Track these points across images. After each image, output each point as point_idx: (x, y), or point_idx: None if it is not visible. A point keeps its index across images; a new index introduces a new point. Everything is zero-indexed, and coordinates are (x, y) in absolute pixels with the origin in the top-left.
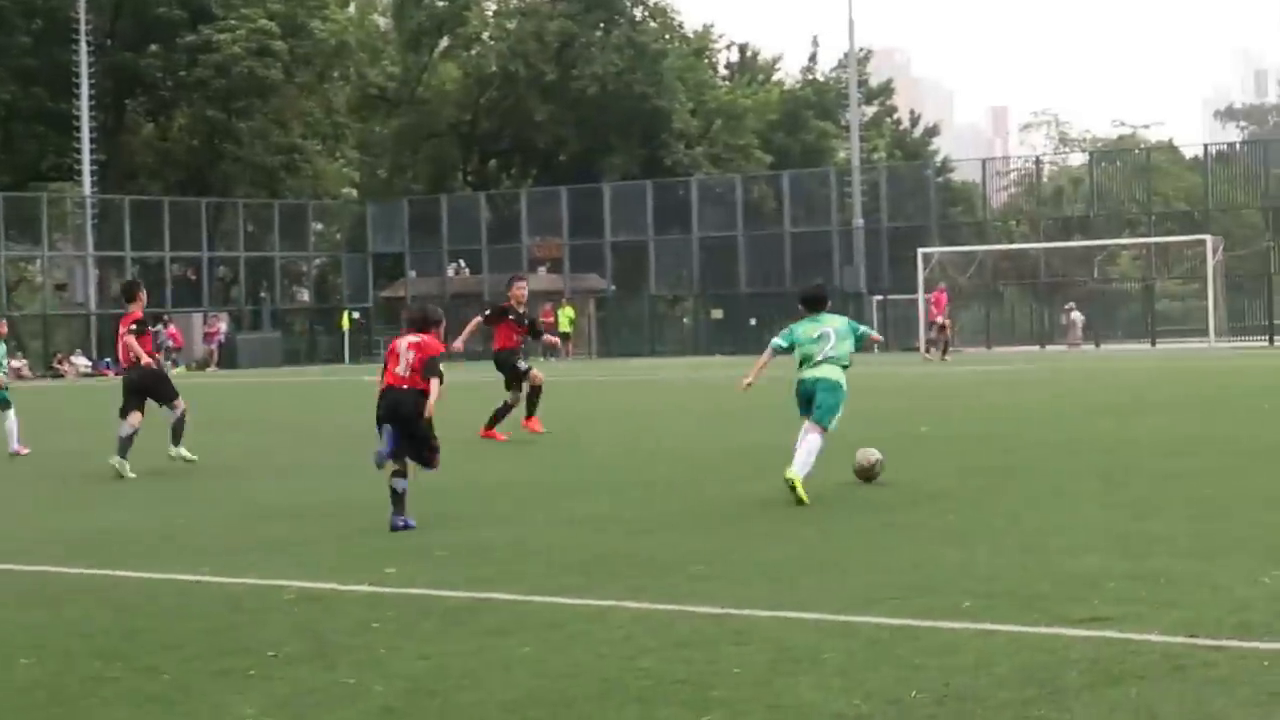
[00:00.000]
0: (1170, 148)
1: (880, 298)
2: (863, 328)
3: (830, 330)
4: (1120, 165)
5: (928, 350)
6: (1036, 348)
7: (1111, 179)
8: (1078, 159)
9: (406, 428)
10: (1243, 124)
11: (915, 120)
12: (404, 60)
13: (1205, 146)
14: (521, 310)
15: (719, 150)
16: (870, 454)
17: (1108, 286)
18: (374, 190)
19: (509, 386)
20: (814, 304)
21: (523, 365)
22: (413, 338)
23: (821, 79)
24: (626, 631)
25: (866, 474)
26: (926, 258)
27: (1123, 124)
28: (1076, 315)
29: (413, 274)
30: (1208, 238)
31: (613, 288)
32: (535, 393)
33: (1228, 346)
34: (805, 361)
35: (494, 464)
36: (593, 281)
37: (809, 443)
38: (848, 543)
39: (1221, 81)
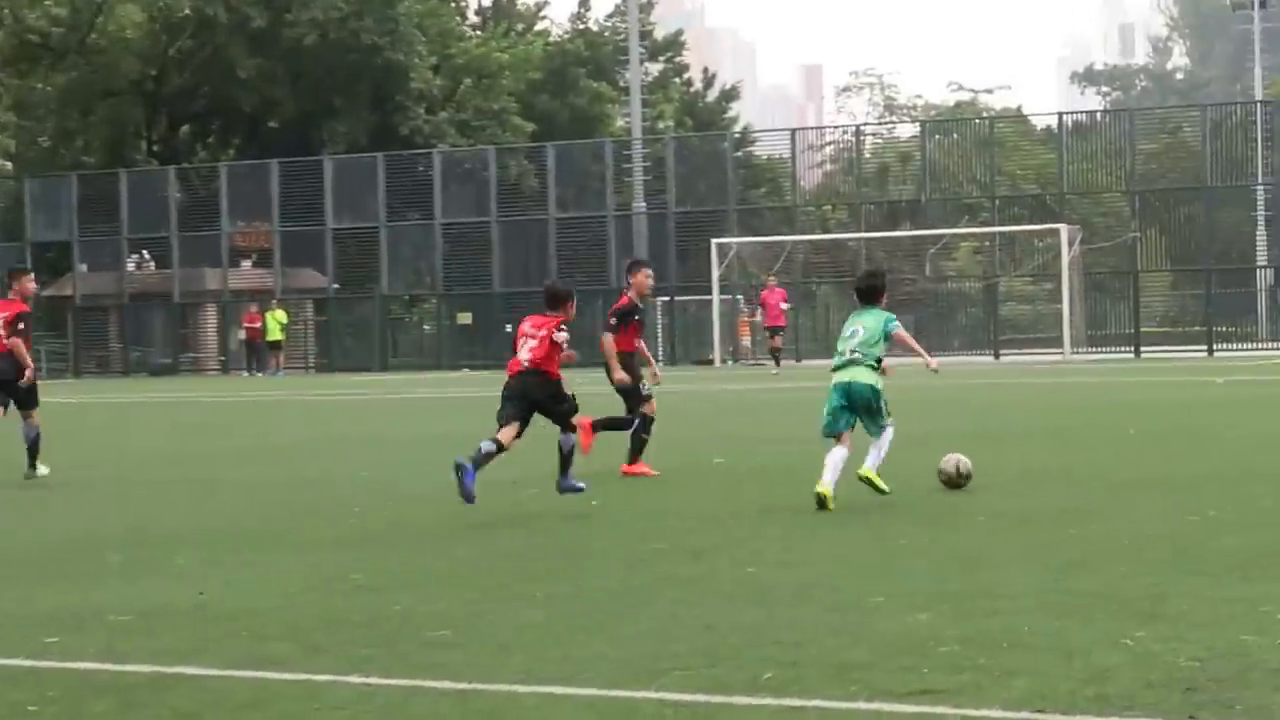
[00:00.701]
0: (1018, 117)
1: (666, 299)
2: (891, 326)
3: (860, 327)
4: (958, 138)
5: (768, 360)
6: None
7: (947, 155)
8: (907, 130)
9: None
10: (1105, 89)
11: (710, 81)
12: (71, 0)
13: (1060, 116)
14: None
15: (468, 116)
16: (961, 462)
17: (941, 286)
18: (33, 162)
19: (634, 404)
20: (863, 295)
21: (645, 387)
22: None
23: (595, 29)
24: (350, 714)
25: (955, 482)
26: (723, 250)
27: (961, 88)
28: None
29: (83, 268)
30: (1063, 227)
31: (335, 286)
32: (647, 425)
33: (1086, 359)
34: (838, 358)
35: (176, 506)
36: (310, 278)
37: (882, 437)
38: (623, 600)
39: (1080, 37)
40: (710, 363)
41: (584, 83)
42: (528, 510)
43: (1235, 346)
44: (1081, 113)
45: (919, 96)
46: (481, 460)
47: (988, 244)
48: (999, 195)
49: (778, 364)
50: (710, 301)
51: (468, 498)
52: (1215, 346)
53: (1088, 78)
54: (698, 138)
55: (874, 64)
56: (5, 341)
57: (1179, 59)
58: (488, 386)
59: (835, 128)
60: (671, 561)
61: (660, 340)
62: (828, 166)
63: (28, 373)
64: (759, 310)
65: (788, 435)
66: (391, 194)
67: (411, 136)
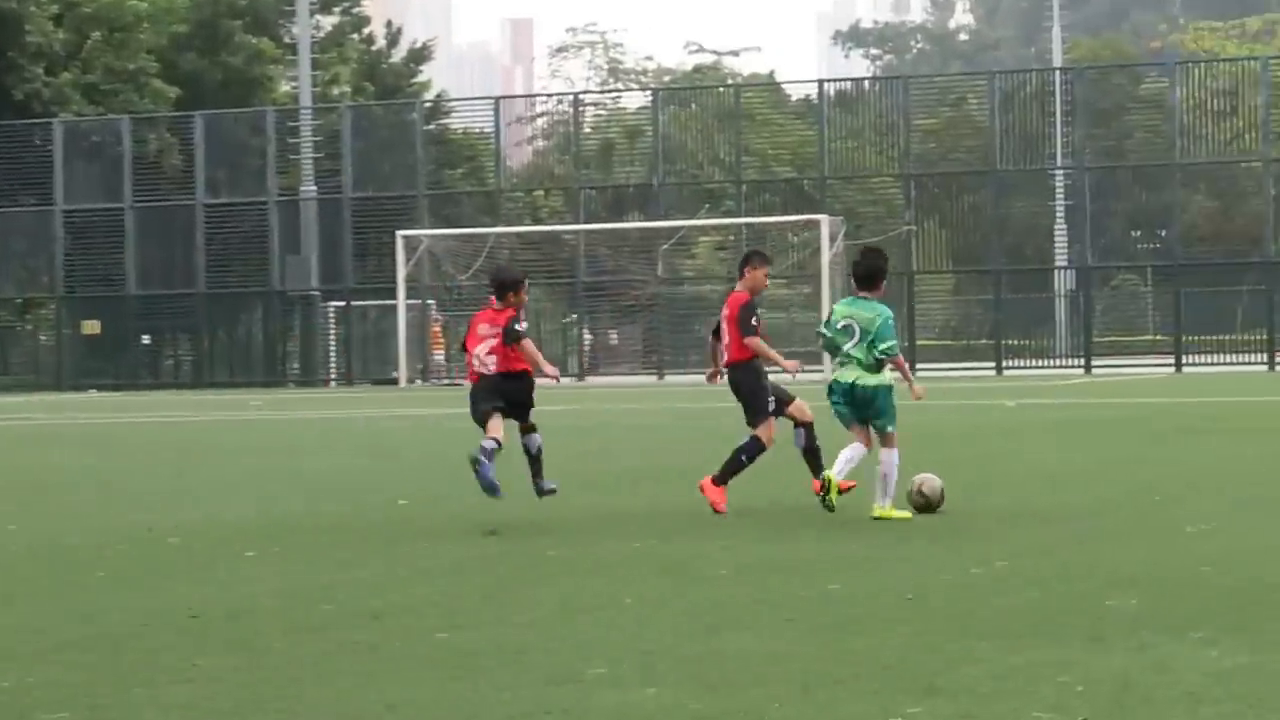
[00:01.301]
0: (770, 85)
1: (340, 304)
2: (887, 344)
3: (855, 325)
4: (697, 110)
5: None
6: (572, 379)
7: (684, 130)
8: (635, 100)
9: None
10: (874, 52)
11: (395, 38)
12: None
13: (820, 84)
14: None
15: (97, 78)
16: (933, 482)
17: (678, 289)
18: None
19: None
20: (863, 280)
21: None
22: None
23: None
24: None
25: (930, 506)
26: (411, 244)
27: (701, 49)
28: (613, 336)
29: None
30: (823, 218)
31: None
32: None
33: None
34: (836, 355)
35: None
36: None
37: (880, 469)
38: (285, 675)
39: None
40: (395, 382)
41: (240, 38)
42: (173, 562)
43: (1029, 363)
44: (846, 80)
45: (649, 59)
46: (489, 455)
47: (733, 238)
48: (746, 179)
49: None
50: (395, 307)
51: (492, 489)
52: (1005, 363)
53: (853, 38)
54: (380, 107)
55: (595, 19)
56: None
57: (962, 17)
58: (124, 412)
59: (548, 96)
60: (347, 626)
61: (334, 354)
62: (539, 143)
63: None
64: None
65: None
66: (1, 173)
67: (27, 102)
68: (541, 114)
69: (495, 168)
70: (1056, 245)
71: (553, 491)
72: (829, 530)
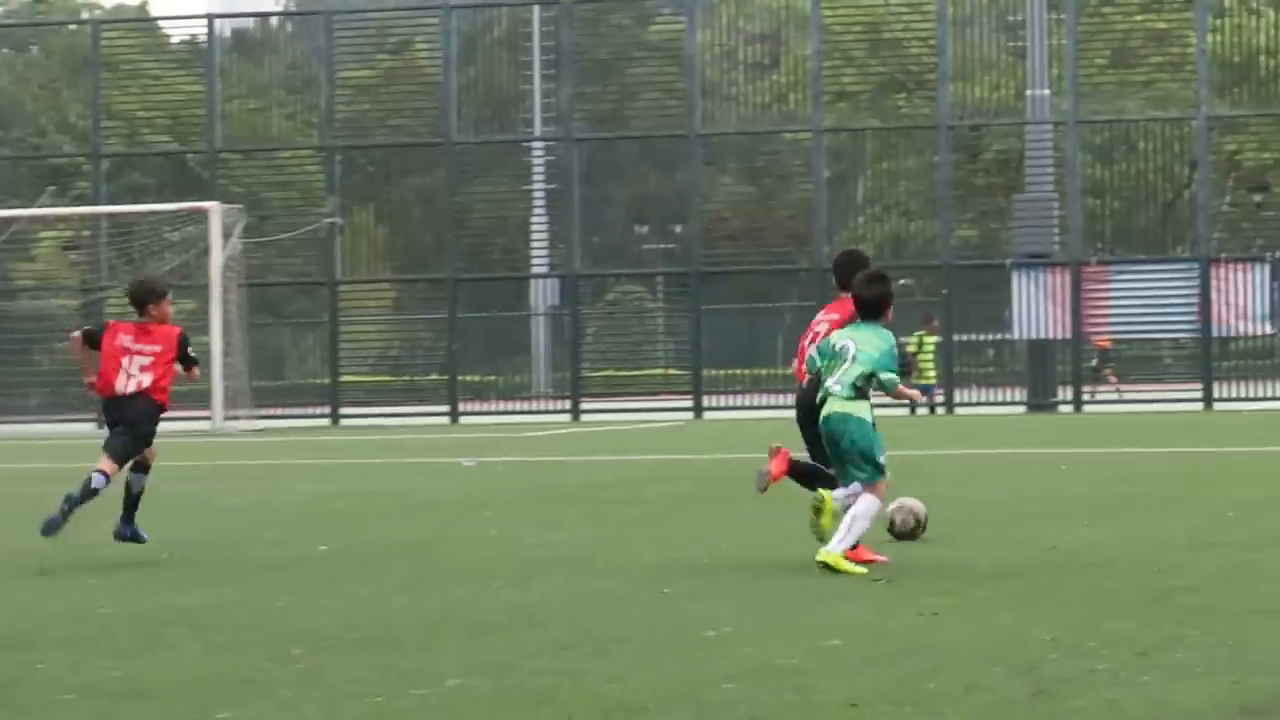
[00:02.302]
0: (142, 22)
1: None
2: (887, 375)
3: (851, 345)
4: (40, 55)
5: None
6: None
7: (20, 82)
8: None
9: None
10: None
11: None
12: None
13: (210, 22)
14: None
15: None
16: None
17: (11, 305)
18: None
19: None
20: (867, 309)
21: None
22: None
23: None
24: None
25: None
26: None
27: None
28: None
29: None
30: (214, 206)
31: None
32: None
33: (243, 429)
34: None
35: None
36: None
37: (854, 508)
38: None
39: None
40: None
41: None
42: None
43: (496, 407)
44: (246, 16)
45: None
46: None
47: (89, 233)
48: (107, 152)
49: None
50: None
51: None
52: (463, 408)
53: None
54: None
55: None
56: None
57: None
58: None
59: None
60: None
61: None
62: None
63: None
64: None
65: None
66: None
67: None
68: None
69: None
70: (534, 245)
71: (142, 540)
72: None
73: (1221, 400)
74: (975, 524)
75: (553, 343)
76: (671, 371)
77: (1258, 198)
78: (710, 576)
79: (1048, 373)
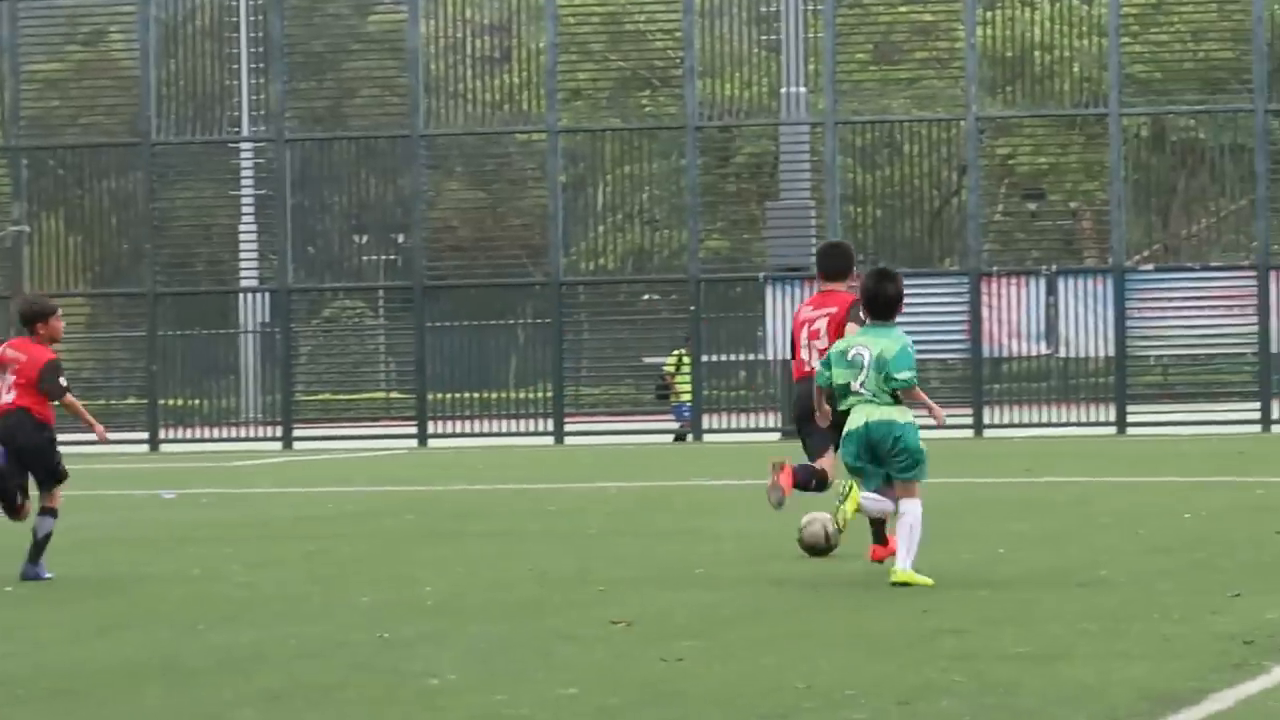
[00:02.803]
0: None
1: None
2: (905, 374)
3: (866, 352)
4: None
5: None
6: None
7: None
8: None
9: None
10: None
11: None
12: None
13: None
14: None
15: None
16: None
17: None
18: None
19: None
20: (882, 311)
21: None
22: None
23: None
24: None
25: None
26: None
27: None
28: None
29: None
30: None
31: None
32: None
33: None
34: (844, 395)
35: None
36: None
37: (904, 520)
38: None
39: None
40: None
41: None
42: None
43: (201, 434)
44: None
45: None
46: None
47: None
48: None
49: None
50: None
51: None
52: (164, 434)
53: None
54: None
55: None
56: None
57: None
58: None
59: None
60: None
61: None
62: None
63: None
64: None
65: None
66: None
67: None
68: None
69: None
70: (243, 256)
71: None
72: None
73: (993, 426)
74: (725, 561)
75: (263, 363)
76: (394, 395)
77: (1032, 206)
78: (434, 619)
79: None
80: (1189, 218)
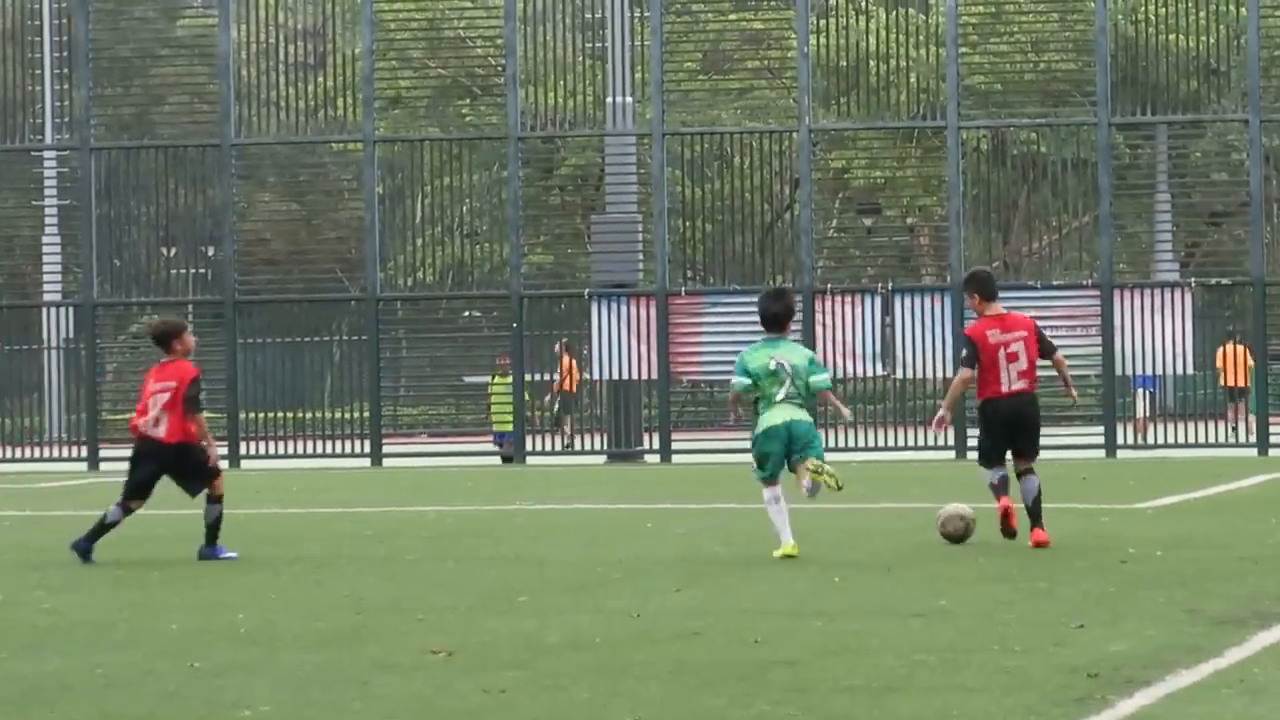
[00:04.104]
0: None
1: None
2: (820, 376)
3: (786, 363)
4: None
5: None
6: None
7: None
8: None
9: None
10: None
11: None
12: None
13: None
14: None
15: None
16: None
17: None
18: None
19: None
20: (773, 323)
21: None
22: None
23: None
24: None
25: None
26: None
27: None
28: None
29: None
30: None
31: None
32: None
33: None
34: (765, 402)
35: None
36: None
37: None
38: None
39: None
40: None
41: None
42: None
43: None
44: None
45: None
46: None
47: None
48: None
49: None
50: None
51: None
52: None
53: None
54: None
55: None
56: None
57: None
58: None
59: None
60: None
61: None
62: None
63: None
64: None
65: None
66: None
67: None
68: None
69: None
70: (46, 269)
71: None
72: None
73: (827, 450)
74: (547, 588)
75: (68, 381)
76: (204, 414)
77: (868, 221)
78: (247, 648)
79: (631, 418)
80: (1030, 234)
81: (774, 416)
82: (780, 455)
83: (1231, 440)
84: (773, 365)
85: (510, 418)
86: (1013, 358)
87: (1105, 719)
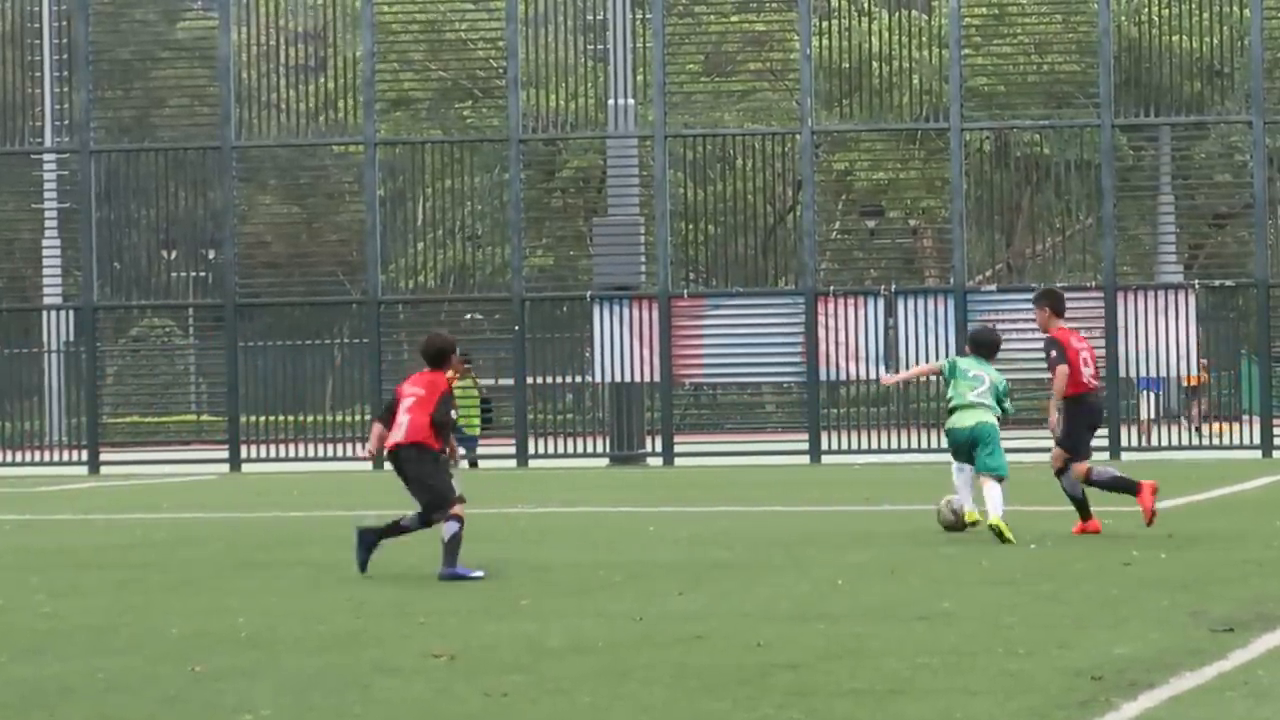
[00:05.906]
0: None
1: None
2: (1009, 404)
3: (987, 378)
4: None
5: None
6: None
7: None
8: None
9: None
10: None
11: None
12: None
13: None
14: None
15: None
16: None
17: None
18: None
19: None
20: (984, 349)
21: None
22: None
23: None
24: None
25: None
26: None
27: None
28: None
29: None
30: None
31: None
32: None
33: None
34: (956, 400)
35: None
36: None
37: (993, 493)
38: None
39: None
40: None
41: None
42: None
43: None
44: None
45: None
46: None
47: None
48: None
49: None
50: None
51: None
52: None
53: None
54: None
55: None
56: None
57: None
58: None
59: None
60: None
61: None
62: None
63: None
64: None
65: None
66: None
67: None
68: None
69: None
70: (46, 272)
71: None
72: None
73: (830, 453)
74: (550, 592)
75: (68, 384)
76: (205, 417)
77: (870, 224)
78: (247, 652)
79: (634, 421)
80: (1034, 236)
81: (962, 419)
82: (965, 454)
83: (1197, 442)
84: (973, 373)
85: (474, 419)
86: (1086, 363)
87: None
